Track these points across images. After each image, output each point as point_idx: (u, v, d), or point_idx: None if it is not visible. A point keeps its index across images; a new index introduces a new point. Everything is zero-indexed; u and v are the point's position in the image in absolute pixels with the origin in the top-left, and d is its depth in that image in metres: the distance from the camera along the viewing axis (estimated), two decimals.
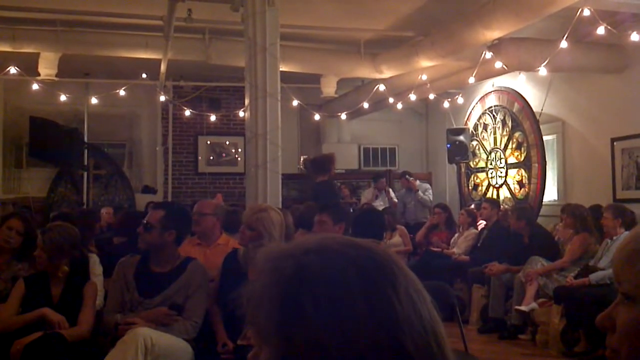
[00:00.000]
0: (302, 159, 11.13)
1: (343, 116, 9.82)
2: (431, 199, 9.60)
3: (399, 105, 9.45)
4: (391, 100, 9.13)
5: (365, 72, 8.59)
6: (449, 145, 9.69)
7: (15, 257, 4.01)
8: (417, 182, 9.59)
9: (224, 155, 11.04)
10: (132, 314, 3.40)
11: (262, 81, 4.95)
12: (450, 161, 9.86)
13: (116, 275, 3.65)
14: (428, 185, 9.92)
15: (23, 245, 4.01)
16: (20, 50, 7.55)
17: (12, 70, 7.84)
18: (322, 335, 0.71)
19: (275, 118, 5.03)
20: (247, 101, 5.11)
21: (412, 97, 8.70)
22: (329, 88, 9.19)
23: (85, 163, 10.19)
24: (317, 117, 9.74)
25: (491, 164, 9.52)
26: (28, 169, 10.16)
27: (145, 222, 3.54)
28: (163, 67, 7.99)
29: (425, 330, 0.75)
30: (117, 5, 6.91)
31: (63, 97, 8.78)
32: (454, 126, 10.05)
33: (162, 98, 9.46)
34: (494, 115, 9.45)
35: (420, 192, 9.44)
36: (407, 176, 9.57)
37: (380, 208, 8.22)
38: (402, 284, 0.77)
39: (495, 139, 9.43)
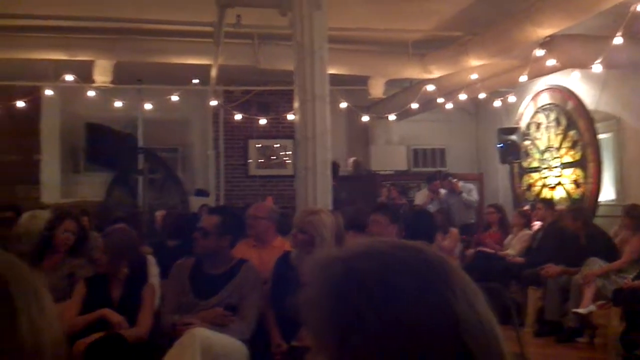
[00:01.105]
0: (350, 161, 11.15)
1: (391, 117, 9.77)
2: (476, 199, 9.46)
3: (449, 105, 9.34)
4: (440, 100, 9.04)
5: (413, 72, 8.54)
6: (500, 145, 9.53)
7: (68, 253, 4.15)
8: (461, 183, 9.46)
9: (273, 158, 11.14)
10: (188, 315, 3.47)
11: (311, 84, 4.99)
12: (503, 161, 9.69)
13: (172, 277, 3.74)
14: (472, 186, 9.76)
15: (75, 242, 4.15)
16: (76, 58, 7.80)
17: (69, 77, 8.11)
18: (376, 337, 0.71)
19: (324, 120, 5.05)
20: (296, 104, 5.15)
21: (462, 96, 8.59)
22: (377, 89, 9.16)
23: (140, 167, 10.44)
24: (365, 118, 9.73)
25: (545, 163, 9.31)
26: (85, 173, 10.50)
27: (201, 228, 3.60)
28: (214, 73, 8.12)
29: (484, 328, 0.74)
30: (169, 12, 7.06)
31: (118, 104, 9.03)
32: (506, 125, 9.88)
33: (213, 103, 9.61)
34: (547, 114, 9.25)
35: (464, 194, 9.30)
36: (449, 178, 9.46)
37: (433, 210, 8.14)
38: (457, 283, 0.76)
39: (548, 138, 9.22)
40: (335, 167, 7.10)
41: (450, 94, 8.98)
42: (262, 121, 10.17)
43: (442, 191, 9.32)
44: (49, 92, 8.89)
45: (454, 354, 0.71)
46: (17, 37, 7.48)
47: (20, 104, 8.64)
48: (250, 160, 11.05)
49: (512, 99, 9.53)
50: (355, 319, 0.72)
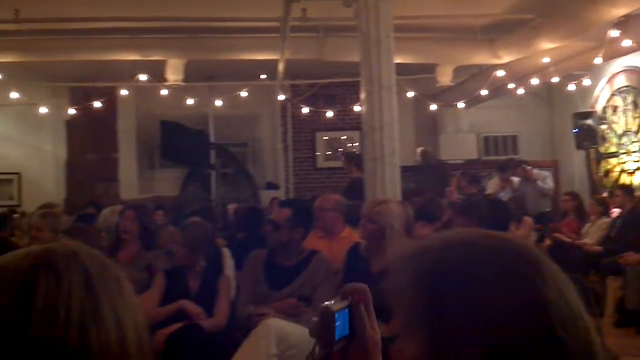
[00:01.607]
0: (419, 151, 11.04)
1: (460, 105, 9.61)
2: (552, 187, 9.17)
3: (520, 91, 9.10)
4: (511, 85, 8.82)
5: (482, 58, 8.36)
6: (576, 130, 9.21)
7: (143, 247, 4.31)
8: (535, 170, 9.19)
9: (340, 150, 11.18)
10: (262, 306, 3.56)
11: (377, 75, 4.97)
12: (578, 147, 9.37)
13: (246, 269, 3.83)
14: (547, 173, 9.46)
15: (144, 234, 4.30)
16: (149, 58, 8.08)
17: (143, 77, 8.41)
18: (467, 324, 0.72)
19: (391, 111, 5.03)
20: (362, 95, 5.15)
21: (534, 81, 8.35)
22: (445, 77, 9.03)
23: (213, 162, 10.72)
24: (433, 107, 9.61)
25: (623, 148, 8.94)
26: (160, 169, 10.88)
27: (273, 221, 3.67)
28: (280, 67, 8.22)
29: (575, 317, 0.74)
30: (237, 9, 7.20)
31: (190, 101, 9.28)
32: (581, 110, 9.53)
33: (281, 97, 9.73)
34: (623, 97, 8.87)
35: (539, 181, 9.03)
36: (523, 165, 9.21)
37: (505, 198, 7.97)
38: (547, 272, 0.77)
39: (626, 121, 8.85)
40: (358, 157, 7.06)
41: (521, 79, 8.74)
42: (329, 113, 10.21)
43: (515, 179, 9.10)
44: (124, 92, 9.24)
45: (544, 343, 0.72)
46: (93, 39, 7.81)
47: (97, 104, 9.02)
48: (318, 153, 11.13)
49: (586, 82, 9.17)
50: (443, 309, 0.74)
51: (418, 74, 9.23)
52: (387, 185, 4.86)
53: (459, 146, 11.16)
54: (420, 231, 4.69)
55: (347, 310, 1.00)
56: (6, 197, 10.50)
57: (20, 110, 9.70)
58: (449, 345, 0.73)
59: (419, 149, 11.04)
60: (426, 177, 10.72)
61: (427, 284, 0.76)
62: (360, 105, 5.40)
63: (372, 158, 4.93)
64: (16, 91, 8.67)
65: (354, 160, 7.03)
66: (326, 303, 0.99)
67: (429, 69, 9.05)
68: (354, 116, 10.16)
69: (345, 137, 11.16)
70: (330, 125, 10.85)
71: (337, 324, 0.98)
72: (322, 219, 4.40)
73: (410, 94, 8.79)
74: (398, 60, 5.68)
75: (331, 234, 4.42)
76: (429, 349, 0.75)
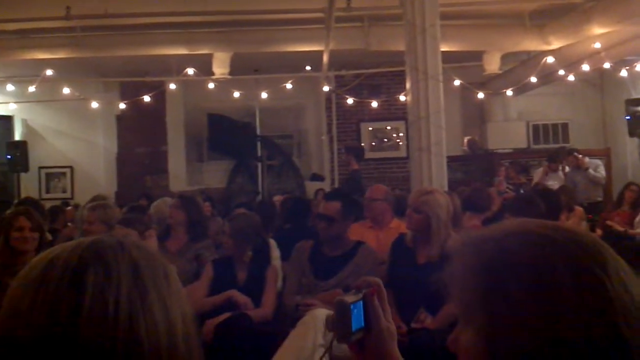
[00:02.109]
0: (466, 140, 10.89)
1: (509, 92, 9.43)
2: (604, 175, 8.92)
3: (571, 77, 8.87)
4: (561, 72, 8.60)
5: (531, 44, 8.18)
6: (628, 117, 8.92)
7: (191, 238, 4.38)
8: (587, 159, 8.94)
9: (385, 140, 11.12)
10: (309, 296, 3.58)
11: (423, 63, 4.92)
12: (631, 134, 9.08)
13: (293, 259, 3.86)
14: (599, 162, 9.19)
15: (191, 226, 4.36)
16: (196, 52, 8.20)
17: (190, 71, 8.53)
18: (526, 315, 0.72)
19: (437, 100, 4.98)
20: (408, 85, 5.10)
21: (585, 67, 8.12)
22: (492, 64, 8.87)
23: (259, 154, 10.82)
24: (480, 95, 9.45)
25: None
26: (208, 162, 11.05)
27: (324, 215, 3.65)
28: (325, 58, 8.22)
29: (638, 312, 0.73)
30: (281, 1, 7.23)
31: (236, 94, 9.38)
32: (634, 96, 9.23)
33: (326, 88, 9.73)
34: None
35: (590, 170, 8.78)
36: (574, 153, 8.97)
37: (555, 187, 7.79)
38: (612, 264, 0.75)
39: None
40: (359, 150, 7.05)
41: (572, 65, 8.51)
42: (374, 104, 10.16)
43: (565, 168, 8.89)
44: (172, 86, 9.40)
45: (606, 339, 0.70)
46: (142, 34, 7.98)
47: (147, 98, 9.20)
48: (363, 144, 11.10)
49: (639, 67, 8.88)
50: (505, 298, 0.73)
51: (465, 62, 9.09)
52: (433, 176, 4.82)
53: (508, 135, 10.96)
54: (468, 222, 4.64)
55: (361, 302, 1.03)
56: (59, 190, 10.85)
57: (72, 105, 9.98)
58: (506, 334, 0.73)
59: (466, 139, 10.90)
60: (473, 167, 10.57)
61: (489, 270, 0.76)
62: (406, 95, 5.35)
63: (418, 148, 4.89)
64: (68, 87, 8.92)
65: (354, 152, 7.06)
66: (341, 296, 1.02)
67: (476, 56, 8.90)
68: (400, 106, 10.09)
69: (390, 127, 11.09)
70: (376, 116, 10.79)
71: (353, 316, 0.99)
72: (372, 209, 4.41)
73: (457, 83, 8.67)
74: (444, 48, 5.61)
75: (380, 224, 4.43)
76: (485, 337, 0.74)
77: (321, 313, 3.25)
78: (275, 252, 4.39)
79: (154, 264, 0.79)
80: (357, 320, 1.01)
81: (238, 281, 3.77)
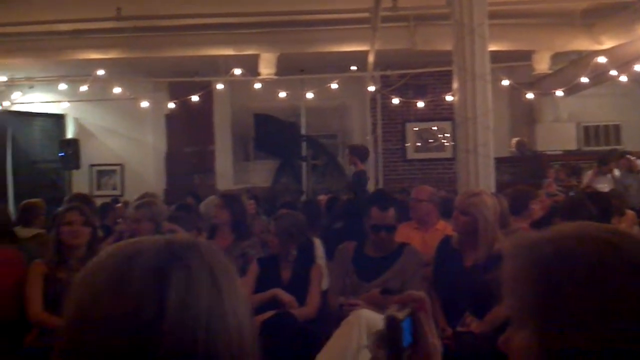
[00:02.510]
0: (514, 141, 10.70)
1: (559, 93, 9.22)
2: None
3: (623, 78, 8.61)
4: (613, 72, 8.36)
5: (582, 44, 7.98)
6: None
7: (237, 236, 4.42)
8: (639, 161, 8.66)
9: (431, 141, 11.02)
10: (353, 297, 3.58)
11: (471, 63, 4.86)
12: None
13: (336, 260, 3.87)
14: None
15: (236, 224, 4.41)
16: (243, 53, 8.29)
17: (237, 71, 8.63)
18: (583, 316, 0.71)
19: (485, 100, 4.91)
20: (455, 85, 5.04)
21: (638, 67, 7.87)
22: (542, 64, 8.69)
23: (304, 154, 10.87)
24: (529, 95, 9.27)
25: None
26: (254, 161, 11.17)
27: (384, 225, 3.62)
28: (371, 58, 8.20)
29: None
30: (327, 2, 7.25)
31: (282, 94, 9.44)
32: None
33: (371, 88, 9.71)
34: None
35: None
36: (627, 156, 8.70)
37: (605, 190, 7.58)
38: None
39: None
40: (364, 151, 6.99)
41: (624, 66, 8.26)
42: (420, 104, 10.08)
43: (616, 171, 8.64)
44: (220, 86, 9.52)
45: None
46: (190, 35, 8.11)
47: (195, 98, 9.35)
48: (408, 144, 11.03)
49: None
50: (562, 299, 0.73)
51: (513, 62, 8.94)
52: (480, 177, 4.75)
53: (557, 136, 10.73)
54: (515, 224, 4.56)
55: (410, 318, 1.01)
56: (110, 187, 11.13)
57: (123, 104, 10.22)
58: (561, 336, 0.72)
59: (514, 140, 10.70)
60: (521, 169, 10.37)
61: (546, 272, 0.76)
62: (453, 95, 5.28)
63: (465, 149, 4.83)
64: (119, 86, 9.13)
65: (358, 153, 7.02)
66: (391, 311, 1.00)
67: (525, 56, 8.74)
68: (446, 106, 9.99)
69: (436, 127, 10.98)
70: (421, 116, 10.71)
71: (404, 332, 0.99)
72: (417, 210, 4.38)
73: (505, 83, 8.53)
74: (492, 47, 5.52)
75: (425, 226, 4.39)
76: (540, 338, 0.74)
77: (365, 313, 3.25)
78: (321, 251, 4.41)
79: (224, 264, 0.79)
80: (406, 336, 1.00)
81: (283, 280, 3.79)
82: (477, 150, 4.80)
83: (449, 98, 8.82)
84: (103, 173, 11.27)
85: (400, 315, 0.99)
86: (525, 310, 0.77)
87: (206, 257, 0.77)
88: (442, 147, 10.94)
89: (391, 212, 3.65)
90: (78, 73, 9.21)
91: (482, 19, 4.84)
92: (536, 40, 8.25)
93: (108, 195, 9.95)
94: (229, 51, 8.22)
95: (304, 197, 10.37)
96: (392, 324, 0.98)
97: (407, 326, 1.00)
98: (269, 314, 3.55)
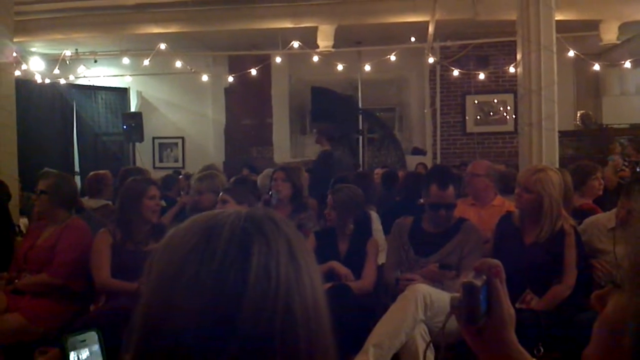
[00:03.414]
0: (579, 114, 10.35)
1: (627, 64, 8.84)
2: None
3: None
4: None
5: None
6: None
7: (294, 208, 4.45)
8: None
9: (492, 114, 10.77)
10: (409, 272, 3.57)
11: (536, 33, 4.73)
12: None
13: (393, 234, 3.85)
14: None
15: (295, 196, 4.44)
16: (301, 26, 8.27)
17: (295, 44, 8.63)
18: None
19: (550, 72, 4.78)
20: (518, 56, 4.92)
21: None
22: (610, 34, 8.34)
23: (360, 127, 10.83)
24: (596, 67, 8.93)
25: None
26: (311, 134, 11.19)
27: (445, 204, 3.57)
28: (431, 29, 8.05)
29: None
30: None
31: (339, 67, 9.40)
32: None
33: (430, 60, 9.54)
34: None
35: None
36: None
37: None
38: None
39: None
40: (331, 132, 6.94)
41: None
42: (481, 76, 9.84)
43: None
44: (278, 60, 9.55)
45: None
46: (249, 8, 8.15)
47: (253, 72, 9.41)
48: (468, 117, 10.81)
49: None
50: None
51: (580, 32, 8.60)
52: (543, 152, 4.64)
53: (625, 109, 10.31)
54: (578, 201, 4.43)
55: (486, 286, 1.01)
56: (172, 159, 11.41)
57: (183, 78, 10.40)
58: None
59: (579, 113, 10.35)
60: (586, 143, 10.04)
61: None
62: (516, 67, 5.15)
63: (528, 122, 4.72)
64: (180, 60, 9.28)
65: (325, 134, 7.00)
66: (469, 278, 1.00)
67: (592, 25, 8.40)
68: (508, 78, 9.74)
69: (497, 100, 10.72)
70: (482, 88, 10.47)
71: (481, 299, 0.99)
72: (474, 185, 4.29)
73: (571, 54, 8.22)
74: (559, 17, 5.33)
75: (482, 202, 4.29)
76: (633, 299, 0.73)
77: (422, 288, 3.24)
78: (378, 225, 4.40)
79: (300, 236, 0.79)
80: (482, 303, 1.00)
81: (339, 252, 3.81)
82: (541, 123, 4.69)
83: (511, 69, 8.58)
84: (165, 145, 11.54)
85: (478, 282, 0.98)
86: (625, 275, 0.74)
87: (283, 229, 0.78)
88: (503, 120, 10.69)
89: (450, 190, 3.58)
90: (141, 47, 9.40)
91: None
92: (604, 9, 7.92)
93: (170, 168, 10.20)
94: (287, 24, 8.23)
95: (359, 171, 10.37)
96: (471, 290, 0.98)
97: (484, 294, 1.00)
98: (326, 286, 3.58)
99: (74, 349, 1.29)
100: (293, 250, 0.76)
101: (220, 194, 3.87)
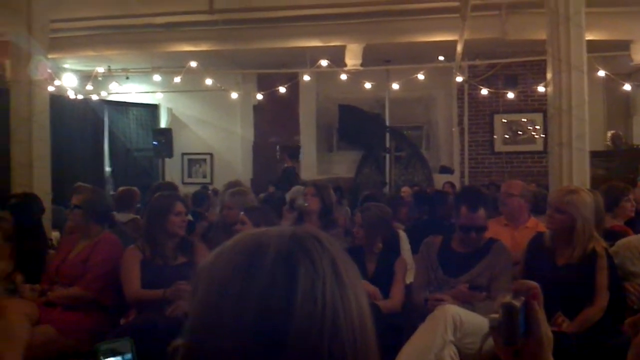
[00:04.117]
0: (609, 134, 10.21)
1: None
2: None
3: None
4: None
5: None
6: None
7: (323, 225, 4.44)
8: None
9: (520, 133, 10.69)
10: (438, 292, 3.53)
11: (566, 53, 4.69)
12: None
13: (421, 254, 3.82)
14: None
15: (324, 212, 4.45)
16: (329, 44, 8.33)
17: (323, 63, 8.70)
18: None
19: (580, 92, 4.73)
20: (548, 75, 4.88)
21: None
22: None
23: (387, 145, 10.82)
24: (627, 87, 8.82)
25: None
26: (338, 152, 11.23)
27: (476, 226, 3.53)
28: (459, 48, 8.04)
29: None
30: None
31: (367, 85, 9.43)
32: None
33: (459, 79, 9.52)
34: None
35: None
36: None
37: None
38: None
39: None
40: (294, 149, 6.98)
41: None
42: (510, 95, 9.79)
43: None
44: (306, 78, 9.62)
45: None
46: (278, 27, 8.24)
47: (282, 89, 9.50)
48: (496, 136, 10.74)
49: None
50: None
51: (610, 52, 8.52)
52: (574, 172, 4.58)
53: None
54: (609, 222, 4.36)
55: (524, 307, 1.01)
56: (200, 175, 11.52)
57: (213, 95, 10.53)
58: None
59: (610, 133, 10.21)
60: (617, 164, 9.89)
61: None
62: (546, 86, 5.11)
63: (559, 142, 4.67)
64: (210, 78, 9.40)
65: (288, 151, 7.05)
66: (507, 299, 1.00)
67: (623, 45, 8.32)
68: (537, 97, 9.68)
69: (525, 119, 10.64)
70: (510, 107, 10.41)
71: (520, 320, 0.99)
72: (508, 205, 4.25)
73: (601, 73, 8.14)
74: (589, 37, 5.30)
75: (515, 222, 4.25)
76: None
77: (451, 309, 3.21)
78: (406, 244, 4.38)
79: (344, 257, 0.79)
80: (521, 325, 1.00)
81: (367, 271, 3.79)
82: (572, 143, 4.63)
83: (540, 89, 8.53)
84: (194, 161, 11.67)
85: (517, 303, 0.99)
86: None
87: (328, 248, 0.77)
88: (532, 140, 10.59)
89: (481, 212, 3.53)
90: (172, 65, 9.56)
91: (579, 7, 4.66)
92: (634, 30, 7.84)
93: (198, 183, 10.30)
94: (315, 42, 8.30)
95: (386, 189, 10.34)
96: (511, 311, 0.98)
97: (522, 315, 1.00)
98: None
99: (106, 357, 1.31)
100: (338, 270, 0.75)
101: (241, 213, 3.88)
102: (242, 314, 0.70)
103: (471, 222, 3.55)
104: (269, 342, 0.69)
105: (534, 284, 1.03)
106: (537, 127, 10.37)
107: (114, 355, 1.31)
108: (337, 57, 8.61)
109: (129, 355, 1.33)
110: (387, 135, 10.88)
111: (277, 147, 8.00)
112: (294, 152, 7.32)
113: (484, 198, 3.70)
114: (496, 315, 0.99)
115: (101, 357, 1.28)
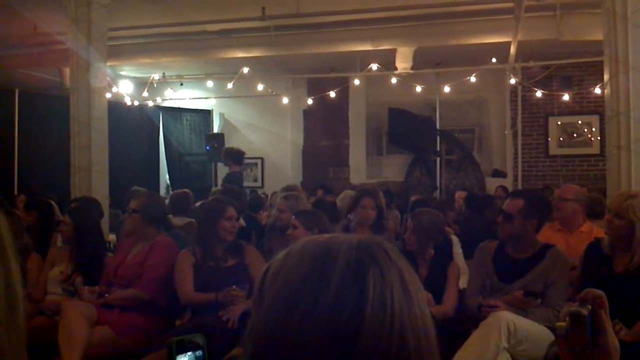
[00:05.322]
0: None
1: None
2: None
3: None
4: None
5: None
6: None
7: (374, 230, 4.44)
8: None
9: (575, 135, 10.42)
10: (492, 298, 3.49)
11: (624, 54, 4.56)
12: None
13: (476, 259, 3.78)
14: None
15: (377, 219, 4.44)
16: (379, 48, 8.32)
17: (374, 67, 8.69)
18: None
19: (639, 93, 4.58)
20: (606, 77, 4.76)
21: None
22: None
23: (438, 149, 10.72)
24: None
25: None
26: (387, 155, 11.18)
27: (504, 211, 3.56)
28: (513, 49, 7.91)
29: None
30: None
31: (418, 88, 9.37)
32: None
33: (512, 81, 9.36)
34: None
35: None
36: None
37: None
38: None
39: None
40: (238, 154, 6.82)
41: None
42: (565, 97, 9.56)
43: None
44: (356, 82, 9.63)
45: None
46: (329, 32, 8.29)
47: (332, 94, 9.54)
48: (550, 139, 10.50)
49: None
50: None
51: None
52: (633, 176, 4.45)
53: None
54: None
55: (590, 316, 1.00)
56: (251, 179, 11.66)
57: (264, 100, 10.66)
58: None
59: None
60: None
61: None
62: (602, 88, 4.98)
63: (617, 145, 4.54)
64: (262, 83, 9.53)
65: (231, 156, 6.94)
66: (575, 307, 0.98)
67: None
68: (593, 99, 9.43)
69: (581, 121, 10.37)
70: (565, 109, 10.16)
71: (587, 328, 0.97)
72: (562, 210, 4.17)
73: None
74: None
75: (570, 228, 4.16)
76: None
77: (506, 315, 3.17)
78: (458, 249, 4.34)
79: (408, 267, 0.78)
80: (588, 333, 0.99)
81: (420, 277, 3.76)
82: (630, 146, 4.50)
83: (596, 90, 8.31)
84: (245, 165, 11.79)
85: (585, 311, 0.98)
86: None
87: (394, 258, 0.77)
88: (588, 142, 10.31)
89: (517, 202, 3.56)
90: (224, 71, 9.72)
91: (637, 6, 4.53)
92: None
93: (249, 187, 10.42)
94: (366, 46, 8.31)
95: (436, 193, 10.25)
96: (578, 319, 0.97)
97: (589, 323, 0.98)
98: None
99: (181, 351, 1.35)
100: (404, 280, 0.75)
101: (293, 217, 3.92)
102: (312, 325, 0.70)
103: (505, 207, 3.60)
104: (338, 352, 0.69)
105: (600, 292, 1.01)
106: (594, 129, 10.09)
107: (187, 350, 1.35)
108: (388, 61, 8.60)
109: (200, 352, 1.37)
110: (438, 138, 10.78)
111: (222, 152, 8.14)
112: (238, 156, 7.37)
113: (530, 194, 3.68)
114: (563, 324, 0.98)
115: (175, 352, 1.33)
